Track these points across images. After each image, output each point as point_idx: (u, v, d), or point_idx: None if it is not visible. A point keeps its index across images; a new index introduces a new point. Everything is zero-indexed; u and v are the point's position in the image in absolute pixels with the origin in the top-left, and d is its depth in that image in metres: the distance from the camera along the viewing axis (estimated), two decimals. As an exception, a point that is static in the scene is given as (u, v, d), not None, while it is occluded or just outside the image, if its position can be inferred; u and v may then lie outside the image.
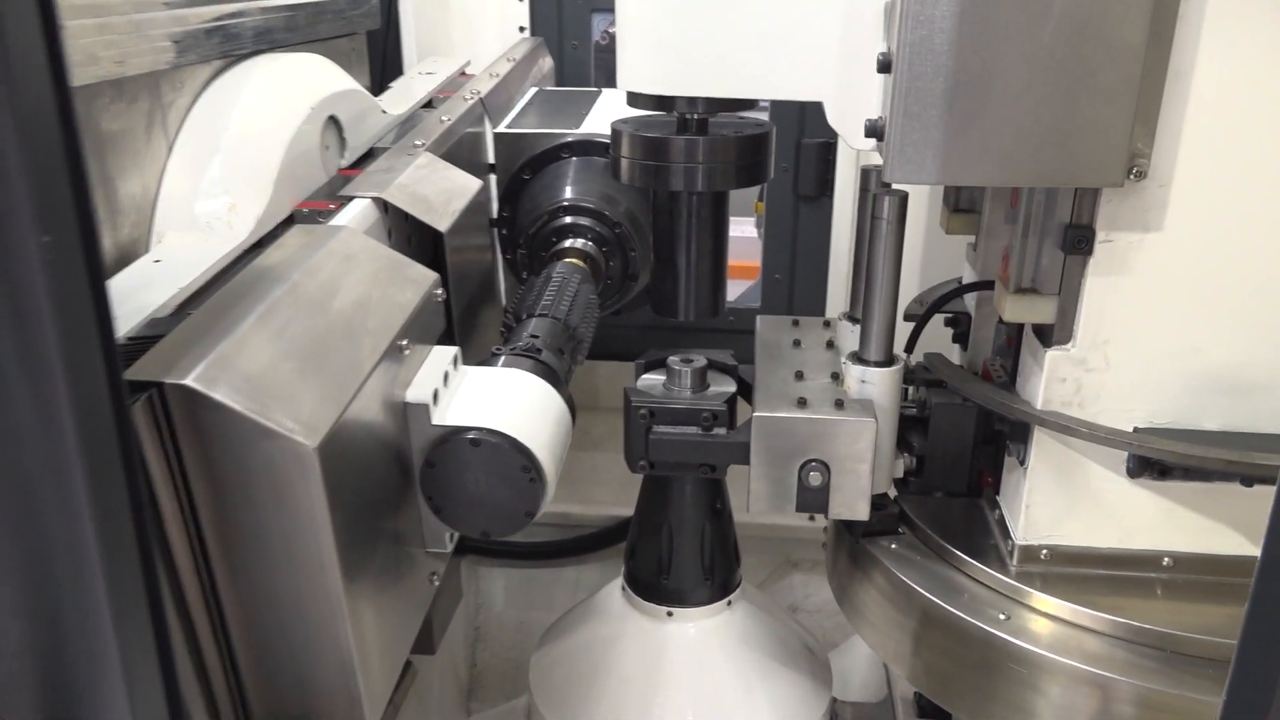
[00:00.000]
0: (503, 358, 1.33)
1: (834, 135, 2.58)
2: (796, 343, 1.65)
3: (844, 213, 2.62)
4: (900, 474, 1.55)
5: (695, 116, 1.42)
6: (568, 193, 1.81)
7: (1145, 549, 1.35)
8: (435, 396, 1.20)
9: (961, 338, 1.72)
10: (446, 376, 1.24)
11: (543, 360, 1.38)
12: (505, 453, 1.19)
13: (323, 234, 1.23)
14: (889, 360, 1.45)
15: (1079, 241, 1.22)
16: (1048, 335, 1.30)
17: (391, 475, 1.18)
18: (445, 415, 1.21)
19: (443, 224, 1.40)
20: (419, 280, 1.26)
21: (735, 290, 3.26)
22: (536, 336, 1.44)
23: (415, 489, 1.23)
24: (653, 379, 1.64)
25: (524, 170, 1.88)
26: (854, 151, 2.60)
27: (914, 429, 1.55)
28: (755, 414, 1.41)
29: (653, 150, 1.42)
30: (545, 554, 2.65)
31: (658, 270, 1.54)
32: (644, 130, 1.44)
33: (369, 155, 1.62)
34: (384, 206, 1.40)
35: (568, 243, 1.75)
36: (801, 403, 1.42)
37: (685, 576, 1.65)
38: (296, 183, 1.39)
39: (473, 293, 1.56)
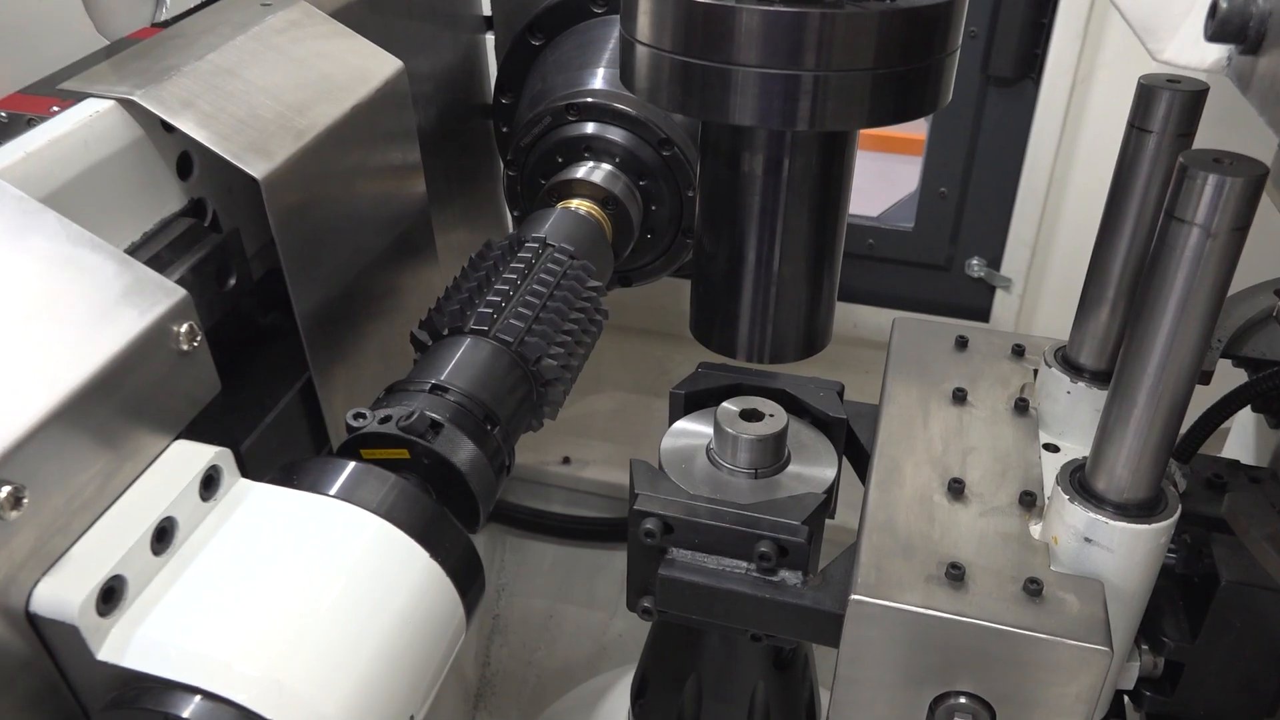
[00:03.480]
0: (349, 467, 0.64)
1: (1053, -13, 1.70)
2: (959, 395, 0.89)
3: (1054, 107, 1.76)
4: (1130, 684, 0.81)
5: (797, -41, 0.65)
6: (594, 78, 1.06)
7: None
8: (109, 595, 0.53)
9: (1270, 402, 0.93)
10: (167, 531, 0.56)
11: (435, 457, 0.68)
12: (241, 753, 0.52)
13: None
14: (1154, 504, 0.70)
15: None
16: None
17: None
18: (129, 641, 0.54)
19: (260, 164, 0.69)
20: (114, 326, 0.56)
21: (879, 191, 2.44)
22: (444, 390, 0.73)
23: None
24: (692, 433, 0.93)
25: (533, 31, 1.13)
26: (1080, 18, 1.71)
27: (1169, 603, 0.81)
28: (854, 595, 0.69)
29: (700, 34, 0.66)
30: (589, 533, 2.02)
31: (702, 269, 0.79)
32: (687, -17, 0.67)
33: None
34: (162, 120, 0.70)
35: (580, 171, 1.01)
36: (954, 577, 0.70)
37: (720, 755, 0.98)
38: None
39: (364, 272, 0.85)
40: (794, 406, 0.92)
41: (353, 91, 0.77)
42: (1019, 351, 0.95)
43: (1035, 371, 0.92)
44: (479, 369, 0.74)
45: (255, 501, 0.59)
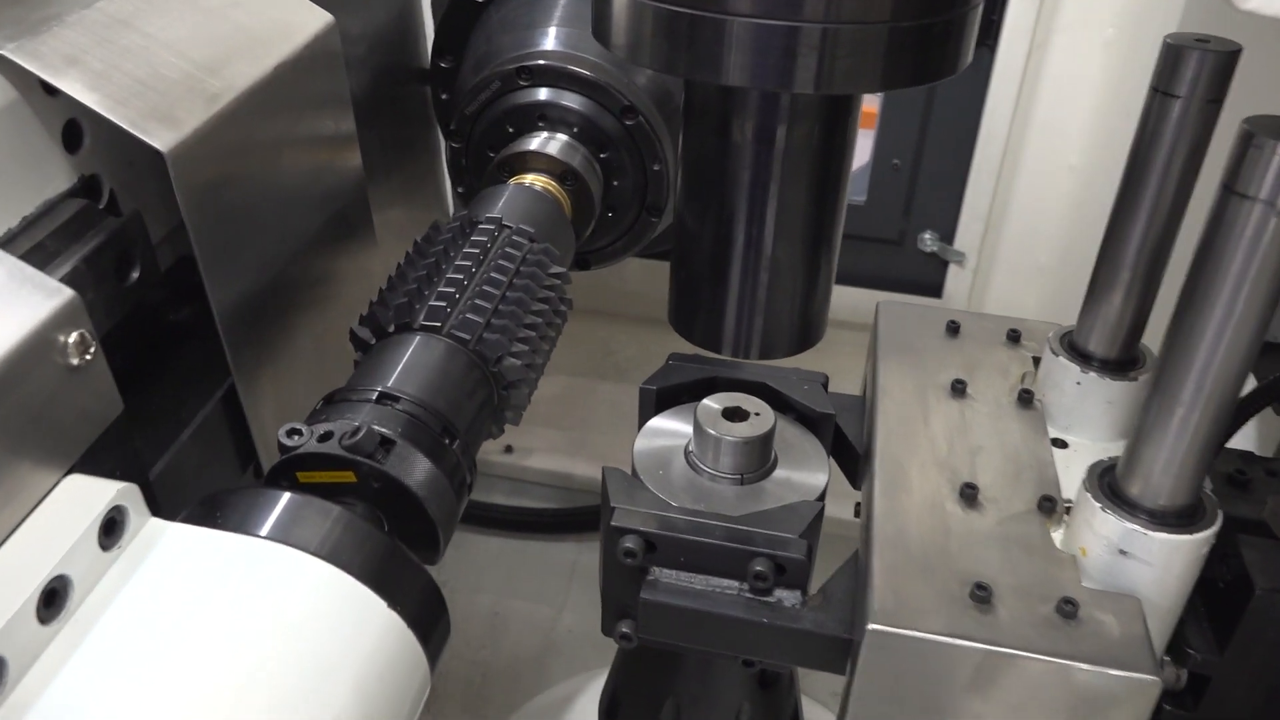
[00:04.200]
0: (283, 499, 0.54)
1: (1011, -52, 1.64)
2: (958, 388, 0.82)
3: (1010, 74, 1.70)
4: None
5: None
6: (546, 38, 0.95)
7: None
8: (-16, 681, 0.43)
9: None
10: (58, 594, 0.46)
11: (386, 480, 0.58)
12: None
13: None
14: (1194, 512, 0.63)
15: None
16: None
17: None
18: (8, 738, 0.43)
19: (164, 134, 0.58)
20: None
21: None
22: (393, 399, 0.63)
23: None
24: (667, 432, 0.84)
25: (476, -13, 1.01)
26: (1041, -21, 1.65)
27: (1191, 611, 0.75)
28: (871, 625, 0.61)
29: (687, -27, 0.56)
30: (534, 525, 1.92)
31: (684, 252, 0.70)
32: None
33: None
34: (42, 80, 0.58)
35: (533, 142, 0.91)
36: (980, 599, 0.62)
37: (699, 781, 0.90)
38: None
39: (294, 258, 0.74)
40: (775, 401, 0.84)
41: (276, 48, 0.66)
42: (1014, 337, 0.88)
43: (1035, 359, 0.85)
44: (433, 372, 0.64)
45: (169, 548, 0.49)
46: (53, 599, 0.44)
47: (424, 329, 0.67)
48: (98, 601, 0.45)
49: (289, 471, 0.58)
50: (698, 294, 0.69)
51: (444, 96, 1.05)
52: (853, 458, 0.85)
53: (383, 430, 0.58)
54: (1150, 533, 0.61)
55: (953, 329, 0.88)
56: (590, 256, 0.98)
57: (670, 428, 0.83)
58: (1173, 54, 0.66)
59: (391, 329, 0.67)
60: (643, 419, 0.85)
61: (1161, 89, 0.67)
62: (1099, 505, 0.63)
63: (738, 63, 0.56)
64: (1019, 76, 1.70)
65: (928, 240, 1.91)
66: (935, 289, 1.98)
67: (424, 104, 1.09)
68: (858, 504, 0.91)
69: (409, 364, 0.64)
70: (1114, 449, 0.81)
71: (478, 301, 0.68)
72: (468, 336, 0.67)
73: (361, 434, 0.57)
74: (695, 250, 0.68)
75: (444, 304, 0.67)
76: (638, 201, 0.93)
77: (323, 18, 0.71)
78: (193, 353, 0.67)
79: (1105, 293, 0.76)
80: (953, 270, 1.95)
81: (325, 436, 0.58)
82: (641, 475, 0.77)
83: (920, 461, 0.73)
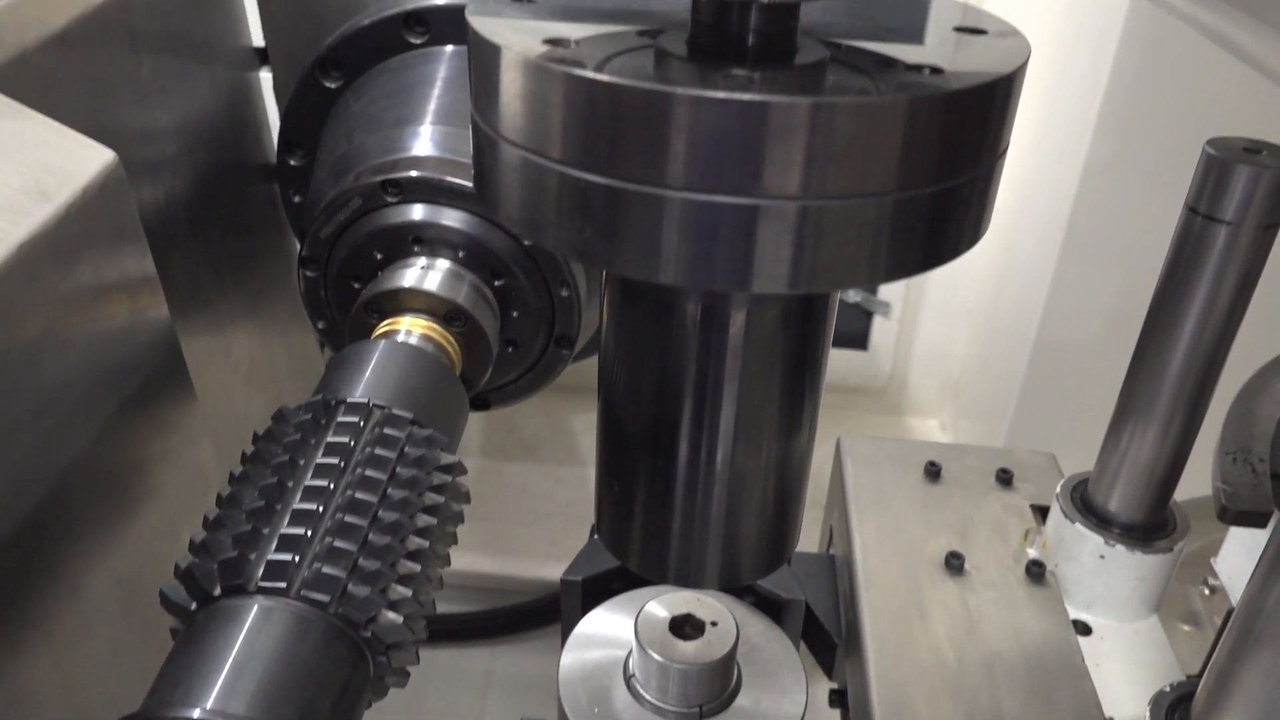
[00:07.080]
0: None
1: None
2: (954, 563, 0.66)
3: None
4: None
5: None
6: (417, 140, 0.77)
7: None
8: None
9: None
10: None
11: None
12: None
13: None
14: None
15: None
16: None
17: None
18: None
19: None
20: None
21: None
22: (216, 728, 0.45)
23: None
24: (601, 640, 0.66)
25: (326, 69, 0.83)
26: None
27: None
28: None
29: (611, 135, 0.39)
30: (442, 633, 1.72)
31: (615, 457, 0.53)
32: (574, 61, 0.41)
33: None
34: None
35: (408, 277, 0.72)
36: None
37: None
38: None
39: (69, 470, 0.54)
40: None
41: (25, 214, 0.46)
42: (1005, 479, 0.73)
43: (1034, 507, 0.71)
44: (276, 666, 0.46)
45: None
46: None
47: (264, 592, 0.48)
48: None
49: None
50: (631, 511, 0.52)
51: (296, 199, 0.86)
52: (826, 644, 0.70)
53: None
54: (1251, 812, 0.47)
55: (932, 473, 0.74)
56: (490, 396, 0.80)
57: (603, 633, 0.66)
58: (1217, 169, 0.52)
59: (217, 592, 0.48)
60: (567, 621, 0.68)
61: (1204, 212, 0.54)
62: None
63: (685, 258, 0.39)
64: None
65: (850, 292, 1.78)
66: (860, 340, 1.86)
67: (271, 205, 0.89)
68: (833, 690, 0.76)
69: (241, 660, 0.45)
70: (1145, 629, 0.68)
71: (338, 543, 0.50)
72: (325, 598, 0.48)
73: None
74: (628, 456, 0.51)
75: (290, 554, 0.49)
76: (544, 332, 0.76)
77: (100, 157, 0.51)
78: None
79: (1130, 444, 0.62)
80: (878, 320, 1.83)
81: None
82: (570, 715, 0.60)
83: (928, 688, 0.58)
